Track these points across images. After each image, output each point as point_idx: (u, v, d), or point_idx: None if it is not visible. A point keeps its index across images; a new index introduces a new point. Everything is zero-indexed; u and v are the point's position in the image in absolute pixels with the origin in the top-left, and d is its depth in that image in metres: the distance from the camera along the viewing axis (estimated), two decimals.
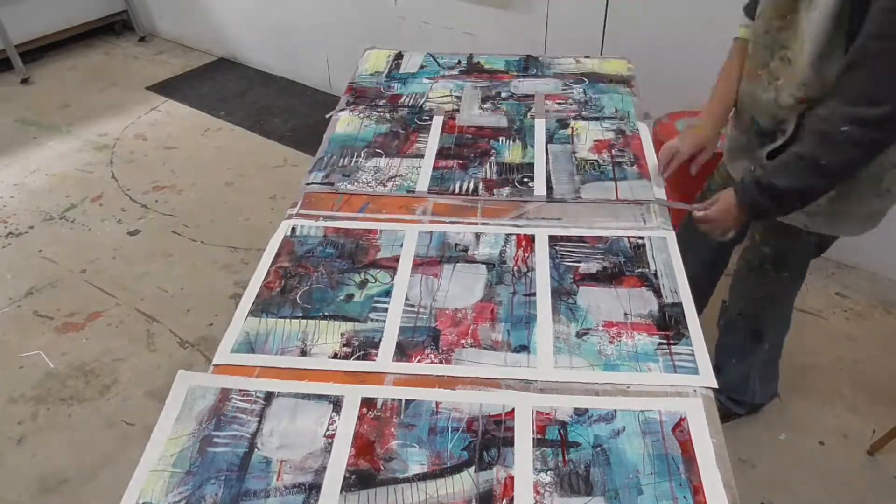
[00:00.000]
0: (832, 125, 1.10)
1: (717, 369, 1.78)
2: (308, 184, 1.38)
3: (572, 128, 1.52)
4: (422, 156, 1.45)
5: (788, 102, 1.20)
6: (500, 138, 1.50)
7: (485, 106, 1.63)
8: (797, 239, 1.37)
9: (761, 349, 1.65)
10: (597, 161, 1.41)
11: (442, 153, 1.46)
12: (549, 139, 1.48)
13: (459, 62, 1.83)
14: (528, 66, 1.81)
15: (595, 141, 1.47)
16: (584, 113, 1.59)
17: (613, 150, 1.44)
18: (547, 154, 1.44)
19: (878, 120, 1.06)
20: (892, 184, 1.24)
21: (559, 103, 1.63)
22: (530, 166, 1.40)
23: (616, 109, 1.59)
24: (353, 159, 1.45)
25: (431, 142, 1.49)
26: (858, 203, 1.28)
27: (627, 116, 1.56)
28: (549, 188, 1.34)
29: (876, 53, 1.04)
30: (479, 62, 1.84)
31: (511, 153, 1.45)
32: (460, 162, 1.43)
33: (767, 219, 1.31)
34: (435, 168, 1.41)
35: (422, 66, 1.82)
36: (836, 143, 1.10)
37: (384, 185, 1.37)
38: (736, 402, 1.78)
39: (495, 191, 1.34)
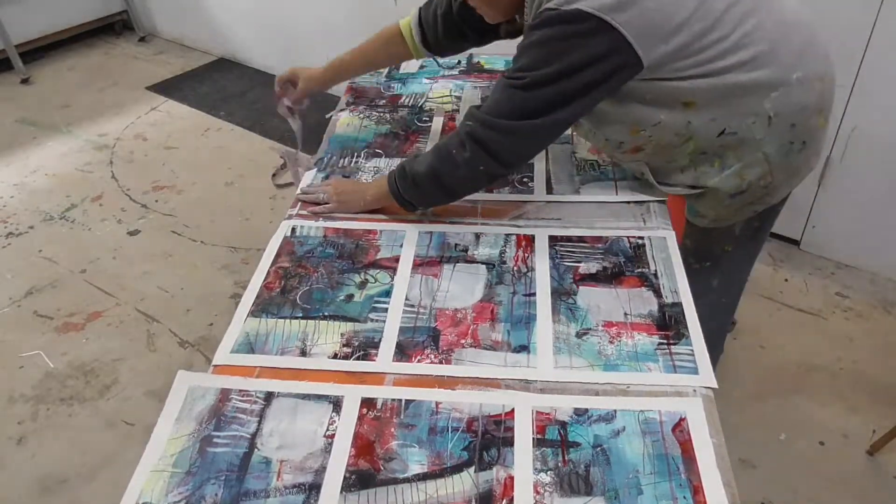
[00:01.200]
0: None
1: None
2: (310, 184, 1.38)
3: (572, 127, 1.52)
4: None
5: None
6: None
7: None
8: (713, 232, 1.34)
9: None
10: (596, 161, 1.41)
11: None
12: None
13: (459, 62, 1.83)
14: None
15: None
16: None
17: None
18: (547, 154, 1.43)
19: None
20: (803, 136, 1.19)
21: None
22: (531, 166, 1.40)
23: None
24: (353, 160, 1.45)
25: (431, 142, 1.49)
26: (787, 168, 1.22)
27: None
28: (549, 188, 1.34)
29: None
30: (479, 62, 1.84)
31: None
32: None
33: (405, 204, 1.24)
34: None
35: (421, 66, 1.82)
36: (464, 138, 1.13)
37: None
38: None
39: (495, 191, 1.34)
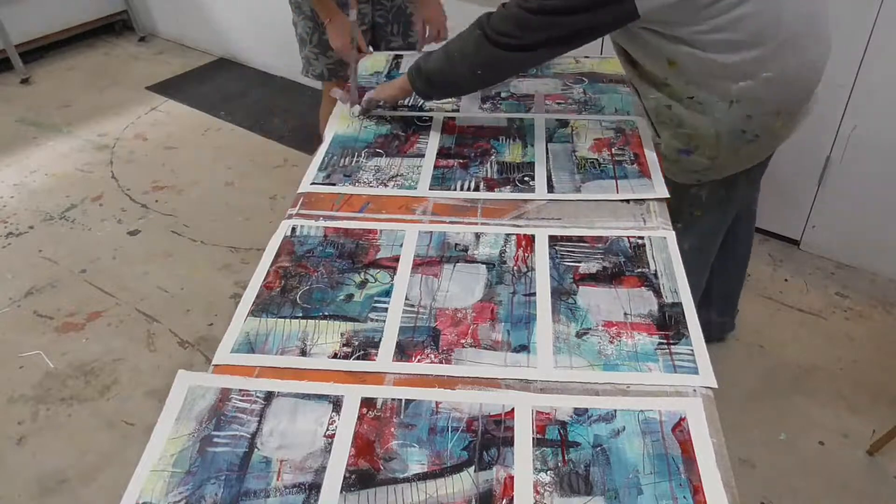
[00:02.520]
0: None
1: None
2: (312, 183, 1.38)
3: (572, 126, 1.52)
4: (422, 155, 1.45)
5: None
6: (500, 137, 1.50)
7: (484, 106, 1.63)
8: (681, 193, 1.47)
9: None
10: (597, 160, 1.41)
11: (442, 153, 1.46)
12: (549, 138, 1.49)
13: None
14: None
15: (595, 139, 1.47)
16: (583, 113, 1.59)
17: (613, 149, 1.44)
18: (547, 153, 1.44)
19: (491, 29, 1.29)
20: (757, 129, 1.34)
21: (559, 103, 1.63)
22: (531, 165, 1.40)
23: (616, 109, 1.59)
24: (354, 159, 1.45)
25: (432, 141, 1.50)
26: (734, 152, 1.38)
27: (629, 116, 1.56)
28: (550, 187, 1.34)
29: None
30: None
31: (511, 152, 1.45)
32: (461, 161, 1.43)
33: (426, 97, 1.54)
34: (436, 167, 1.41)
35: None
36: (465, 37, 1.34)
37: (385, 185, 1.37)
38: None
39: (497, 190, 1.34)
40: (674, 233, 1.23)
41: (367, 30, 2.06)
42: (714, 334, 1.92)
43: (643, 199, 1.29)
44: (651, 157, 1.41)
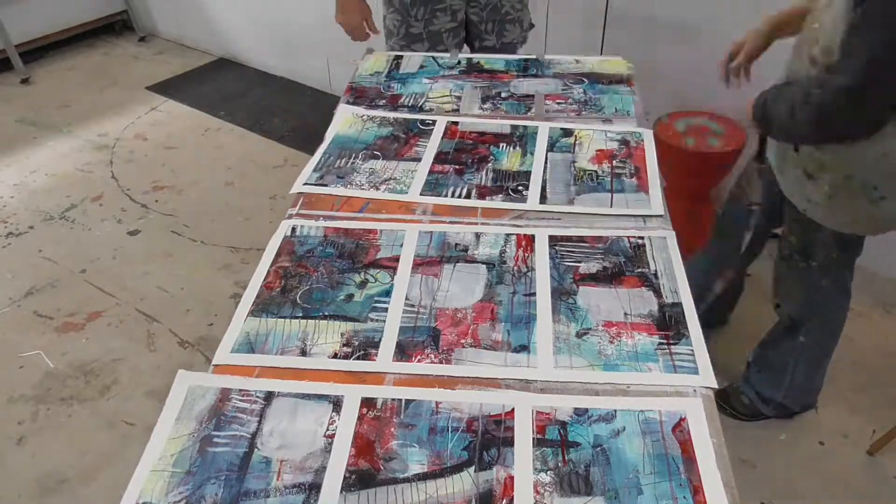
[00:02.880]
0: (811, 83, 1.18)
1: (755, 363, 1.78)
2: (304, 184, 1.38)
3: (576, 136, 1.51)
4: (419, 159, 1.44)
5: (803, 59, 1.25)
6: (501, 144, 1.48)
7: (484, 106, 1.63)
8: (817, 229, 1.42)
9: (796, 343, 1.65)
10: (596, 172, 1.39)
11: (439, 157, 1.45)
12: (551, 147, 1.47)
13: (459, 62, 1.83)
14: (528, 66, 1.81)
15: (597, 151, 1.45)
16: (583, 113, 1.58)
17: (615, 161, 1.42)
18: (546, 162, 1.42)
19: (833, 89, 1.12)
20: (887, 192, 1.26)
21: (559, 103, 1.63)
22: (527, 174, 1.39)
23: (616, 109, 1.59)
24: (351, 161, 1.45)
25: (430, 146, 1.49)
26: (850, 202, 1.32)
27: (629, 116, 1.55)
28: (543, 198, 1.32)
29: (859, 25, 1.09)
30: (478, 62, 1.83)
31: (510, 160, 1.43)
32: (456, 167, 1.42)
33: (765, 133, 1.41)
34: (430, 172, 1.40)
35: (421, 66, 1.82)
36: (805, 102, 1.18)
37: (377, 188, 1.36)
38: (764, 400, 1.77)
39: (488, 198, 1.33)
40: (674, 233, 1.22)
41: (459, 27, 1.98)
42: (789, 402, 1.79)
43: (635, 216, 1.27)
44: (653, 171, 1.39)
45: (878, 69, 1.08)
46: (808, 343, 1.65)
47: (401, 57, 1.88)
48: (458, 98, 1.66)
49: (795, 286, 1.57)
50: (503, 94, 1.67)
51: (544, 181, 1.36)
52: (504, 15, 1.99)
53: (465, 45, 2.04)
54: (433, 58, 1.86)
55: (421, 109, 1.63)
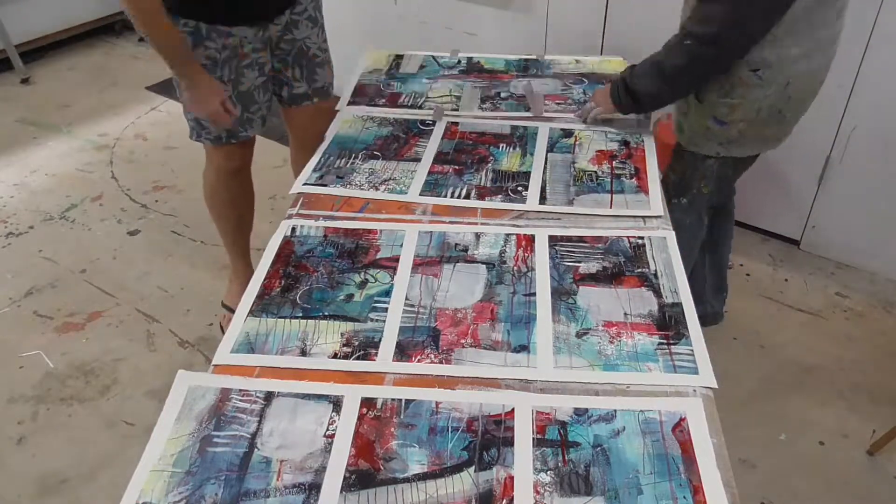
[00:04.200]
0: (677, 38, 1.35)
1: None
2: (304, 184, 1.38)
3: (576, 136, 1.51)
4: (419, 160, 1.44)
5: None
6: (501, 145, 1.48)
7: (484, 106, 1.63)
8: (703, 161, 1.54)
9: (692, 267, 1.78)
10: (595, 172, 1.39)
11: (439, 158, 1.45)
12: (551, 148, 1.47)
13: (459, 62, 1.83)
14: (528, 66, 1.81)
15: (597, 151, 1.45)
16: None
17: (614, 162, 1.42)
18: (546, 163, 1.42)
19: (708, 38, 1.29)
20: (789, 112, 1.42)
21: (558, 103, 1.63)
22: (527, 175, 1.39)
23: None
24: (350, 161, 1.45)
25: (430, 146, 1.49)
26: (761, 129, 1.45)
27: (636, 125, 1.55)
28: (543, 198, 1.32)
29: None
30: (478, 62, 1.84)
31: (509, 160, 1.44)
32: (456, 167, 1.42)
33: (633, 112, 1.51)
34: (430, 173, 1.40)
35: (422, 66, 1.82)
36: (677, 52, 1.35)
37: (377, 189, 1.36)
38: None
39: (488, 198, 1.33)
40: (674, 233, 1.23)
41: (268, 80, 1.74)
42: (708, 322, 1.97)
43: (635, 216, 1.27)
44: (652, 173, 1.39)
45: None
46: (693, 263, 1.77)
47: (401, 57, 1.88)
48: (458, 98, 1.66)
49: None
50: (503, 94, 1.67)
51: (544, 182, 1.36)
52: (312, 58, 1.77)
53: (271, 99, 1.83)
54: (433, 57, 1.86)
55: (421, 109, 1.63)
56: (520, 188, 1.35)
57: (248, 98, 1.69)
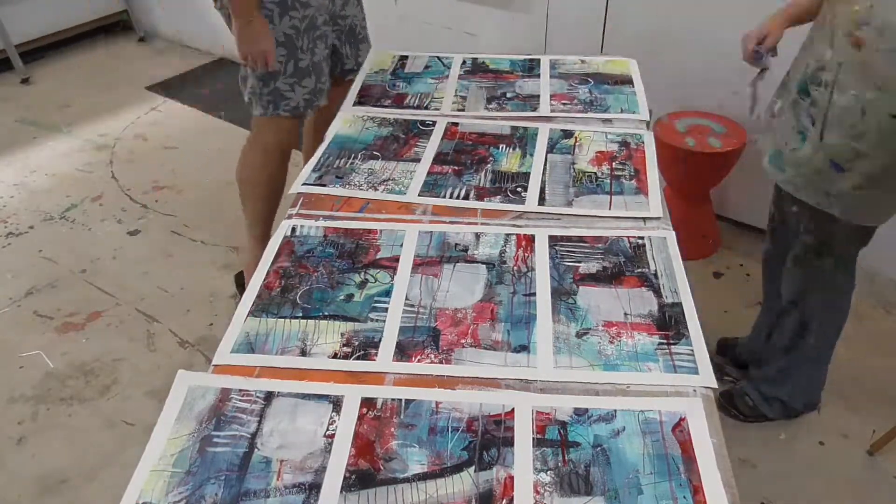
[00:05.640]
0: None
1: (763, 361, 1.74)
2: (303, 184, 1.38)
3: (576, 137, 1.50)
4: (418, 160, 1.44)
5: (840, 44, 1.19)
6: (501, 146, 1.48)
7: (490, 106, 1.63)
8: (833, 222, 1.36)
9: (806, 344, 1.62)
10: (595, 174, 1.38)
11: (439, 158, 1.45)
12: (551, 148, 1.47)
13: (465, 62, 1.83)
14: (533, 66, 1.81)
15: (597, 152, 1.45)
16: (589, 113, 1.58)
17: (614, 163, 1.42)
18: (545, 164, 1.42)
19: None
20: None
21: (564, 103, 1.63)
22: (526, 175, 1.38)
23: (622, 109, 1.59)
24: (350, 161, 1.45)
25: (430, 147, 1.49)
26: (882, 193, 1.27)
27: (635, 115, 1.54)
28: (542, 199, 1.32)
29: None
30: (484, 62, 1.83)
31: (509, 161, 1.43)
32: (455, 168, 1.41)
33: None
34: (429, 173, 1.40)
35: (426, 67, 1.82)
36: None
37: (375, 189, 1.36)
38: (767, 400, 1.75)
39: (486, 199, 1.33)
40: (674, 233, 1.22)
41: (330, 54, 1.88)
42: (794, 403, 1.77)
43: (634, 218, 1.27)
44: (652, 173, 1.38)
45: None
46: (815, 343, 1.63)
47: (405, 57, 1.88)
48: (464, 98, 1.66)
49: (809, 286, 1.49)
50: (508, 95, 1.67)
51: (543, 182, 1.36)
52: (357, 35, 1.92)
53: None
54: (438, 58, 1.86)
55: (427, 109, 1.63)
56: (519, 189, 1.35)
57: (319, 69, 1.81)
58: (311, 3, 1.69)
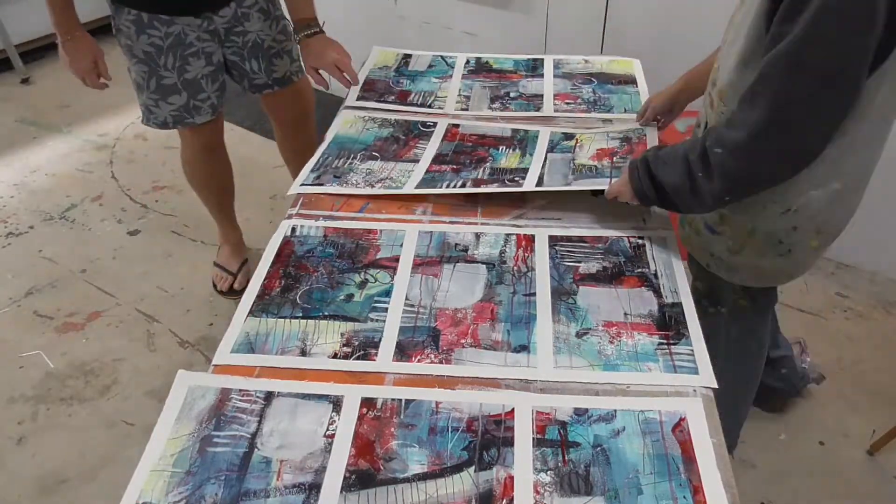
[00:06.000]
0: (710, 141, 1.01)
1: None
2: (302, 184, 1.38)
3: (577, 139, 1.50)
4: (417, 161, 1.44)
5: (707, 103, 1.18)
6: (501, 147, 1.48)
7: (493, 105, 1.63)
8: (723, 283, 1.29)
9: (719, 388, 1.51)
10: (595, 166, 1.38)
11: (438, 159, 1.45)
12: (551, 149, 1.46)
13: (468, 62, 1.83)
14: (537, 66, 1.81)
15: (598, 149, 1.45)
16: (593, 113, 1.58)
17: (615, 157, 1.41)
18: (545, 160, 1.42)
19: (733, 145, 0.98)
20: (793, 244, 1.15)
21: (568, 103, 1.63)
22: (525, 170, 1.38)
23: (626, 109, 1.59)
24: (349, 161, 1.45)
25: (430, 148, 1.48)
26: (754, 257, 1.19)
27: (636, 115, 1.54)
28: (540, 184, 1.31)
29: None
30: (487, 62, 1.83)
31: (508, 160, 1.43)
32: (454, 167, 1.41)
33: (651, 205, 1.16)
34: (428, 171, 1.40)
35: (430, 66, 1.82)
36: (708, 164, 1.02)
37: (372, 187, 1.36)
38: None
39: (483, 186, 1.32)
40: (674, 233, 1.22)
41: (217, 70, 1.79)
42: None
43: (634, 217, 1.26)
44: None
45: (781, 115, 0.94)
46: (721, 390, 1.48)
47: (409, 55, 1.88)
48: (467, 97, 1.66)
49: (709, 332, 1.26)
50: (512, 94, 1.67)
51: (542, 174, 1.35)
52: (267, 50, 1.82)
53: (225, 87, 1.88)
54: (442, 57, 1.86)
55: (430, 108, 1.62)
56: (517, 178, 1.34)
57: (194, 86, 1.77)
58: (175, 21, 1.64)
